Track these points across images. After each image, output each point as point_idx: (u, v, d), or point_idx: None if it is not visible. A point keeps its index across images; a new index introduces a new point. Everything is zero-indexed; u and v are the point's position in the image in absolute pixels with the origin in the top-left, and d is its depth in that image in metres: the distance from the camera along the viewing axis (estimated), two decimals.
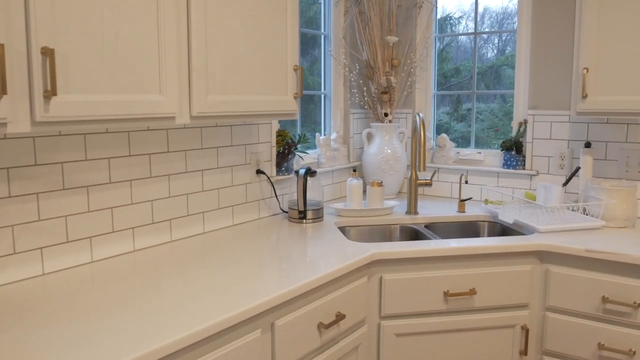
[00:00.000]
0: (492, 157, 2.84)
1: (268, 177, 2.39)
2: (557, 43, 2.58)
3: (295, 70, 2.00)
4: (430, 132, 3.03)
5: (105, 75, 1.42)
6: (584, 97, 2.21)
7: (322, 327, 1.69)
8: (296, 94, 2.01)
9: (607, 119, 2.48)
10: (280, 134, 2.47)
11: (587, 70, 2.20)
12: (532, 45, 2.65)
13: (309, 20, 2.84)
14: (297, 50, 2.01)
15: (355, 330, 1.89)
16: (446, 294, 1.99)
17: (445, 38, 3.06)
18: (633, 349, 1.92)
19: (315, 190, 2.39)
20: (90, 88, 1.38)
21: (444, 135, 2.93)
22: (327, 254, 1.89)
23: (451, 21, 3.02)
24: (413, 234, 2.41)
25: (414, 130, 2.42)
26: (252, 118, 1.89)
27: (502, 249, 2.01)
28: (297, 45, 2.02)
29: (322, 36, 2.87)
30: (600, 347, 1.97)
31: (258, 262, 1.79)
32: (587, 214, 2.35)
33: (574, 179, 2.54)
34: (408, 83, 2.95)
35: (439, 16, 3.00)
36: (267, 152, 2.43)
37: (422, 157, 2.28)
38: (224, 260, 1.81)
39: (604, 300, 1.95)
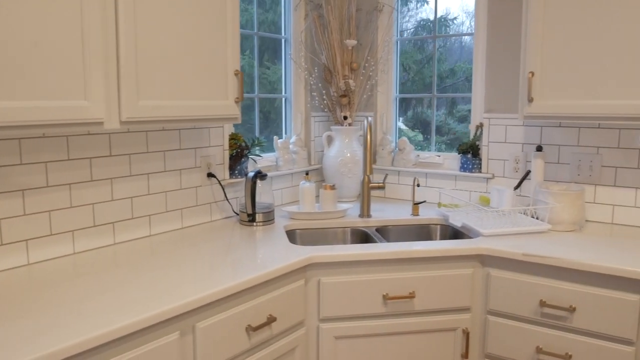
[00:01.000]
0: (451, 160, 2.84)
1: (219, 181, 2.41)
2: (509, 48, 2.58)
3: (235, 75, 2.02)
4: (392, 135, 3.04)
5: (24, 82, 1.44)
6: (530, 100, 2.21)
7: (251, 329, 1.71)
8: (237, 98, 2.03)
9: (560, 123, 2.49)
10: (234, 138, 2.49)
11: (533, 75, 2.20)
12: (487, 50, 2.65)
13: (271, 23, 2.86)
14: (237, 55, 2.03)
15: (291, 332, 1.91)
16: (385, 297, 2.00)
17: (440, 38, 3.08)
18: (569, 353, 1.93)
19: (266, 194, 2.41)
20: (5, 94, 1.41)
21: (404, 138, 2.94)
22: (265, 257, 1.91)
23: (445, 22, 2.98)
24: (363, 237, 2.43)
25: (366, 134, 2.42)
26: (190, 122, 1.91)
27: (441, 252, 2.02)
28: (238, 50, 2.03)
29: (283, 40, 2.89)
30: (538, 350, 1.98)
31: (192, 265, 1.81)
32: (536, 218, 2.36)
33: (526, 182, 2.54)
34: (367, 87, 2.96)
35: (439, 15, 2.95)
36: (220, 155, 2.45)
37: (368, 160, 2.29)
38: (157, 263, 1.83)
39: (542, 304, 1.95)
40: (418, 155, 2.94)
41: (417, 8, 2.98)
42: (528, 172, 2.44)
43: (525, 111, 2.24)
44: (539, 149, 2.47)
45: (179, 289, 1.58)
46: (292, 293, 1.88)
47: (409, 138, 2.98)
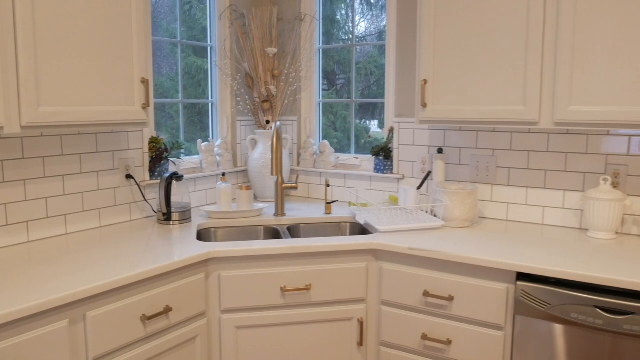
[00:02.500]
0: (367, 162, 3.01)
1: (136, 182, 2.54)
2: (414, 56, 2.76)
3: (142, 82, 2.16)
4: (314, 138, 3.20)
5: None
6: (424, 106, 2.39)
7: (145, 319, 1.84)
8: (144, 104, 2.17)
9: (460, 127, 2.67)
10: (154, 141, 2.62)
11: (426, 82, 2.38)
12: (396, 58, 2.83)
13: (201, 31, 3.00)
14: (144, 62, 2.16)
15: (191, 322, 2.05)
16: (283, 290, 2.15)
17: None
18: (450, 338, 2.10)
19: (183, 194, 2.54)
20: None
21: (324, 141, 3.10)
22: (166, 252, 2.04)
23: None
24: (275, 235, 2.58)
25: (278, 137, 2.57)
26: (94, 127, 2.03)
27: (335, 247, 2.18)
28: (145, 58, 2.17)
29: (209, 47, 3.03)
30: (424, 337, 2.15)
31: (94, 259, 1.93)
32: (434, 215, 2.53)
33: (430, 182, 2.72)
34: (288, 93, 3.12)
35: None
36: (139, 157, 2.58)
37: (275, 162, 2.45)
38: (65, 258, 1.96)
39: (425, 294, 2.12)
40: (338, 158, 3.10)
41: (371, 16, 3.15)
42: (429, 173, 2.62)
43: (420, 116, 2.42)
44: (440, 151, 2.65)
45: (73, 280, 1.71)
46: (192, 285, 2.02)
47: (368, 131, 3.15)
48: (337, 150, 3.16)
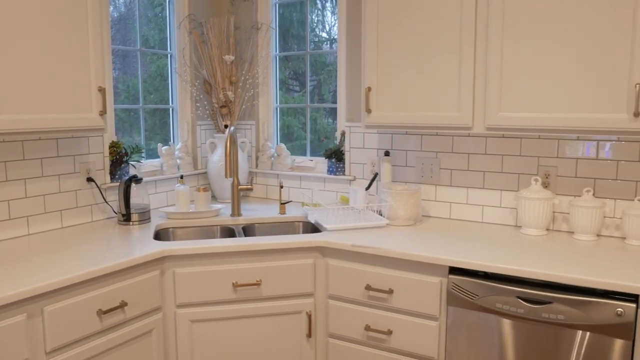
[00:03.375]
0: (322, 164, 3.17)
1: (97, 185, 2.65)
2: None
3: (99, 90, 2.27)
4: (271, 141, 3.34)
5: None
6: (368, 112, 2.55)
7: (102, 313, 1.96)
8: (101, 111, 2.28)
9: (407, 131, 2.83)
10: (114, 145, 2.73)
11: (370, 89, 2.54)
12: (347, 65, 2.99)
13: (164, 40, 3.12)
14: (101, 71, 2.28)
15: (147, 317, 2.17)
16: (235, 285, 2.28)
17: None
18: (391, 329, 2.26)
19: (143, 196, 2.66)
20: None
21: (281, 144, 3.24)
22: (124, 250, 2.16)
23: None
24: (231, 234, 2.71)
25: (231, 141, 2.70)
26: (55, 133, 2.14)
27: (282, 245, 2.32)
28: (102, 67, 2.28)
29: (169, 55, 3.14)
30: (367, 328, 2.30)
31: (54, 257, 2.04)
32: (380, 214, 2.69)
33: (378, 183, 2.88)
34: (246, 98, 3.26)
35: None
36: (100, 161, 2.69)
37: (228, 165, 2.58)
38: (26, 256, 2.07)
39: (368, 287, 2.27)
40: (294, 160, 3.25)
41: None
42: (376, 175, 2.78)
43: (365, 121, 2.57)
44: (387, 154, 2.81)
45: (32, 277, 1.82)
46: (147, 282, 2.14)
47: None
48: (308, 152, 3.29)
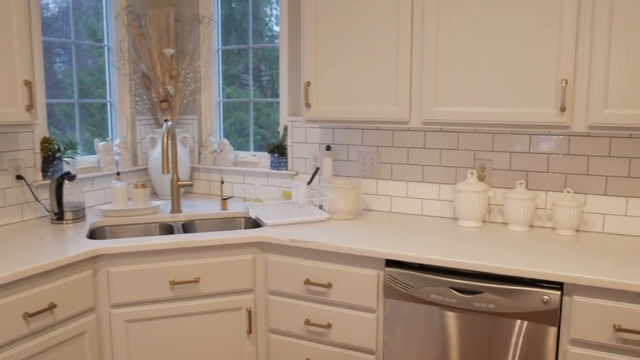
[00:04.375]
0: (265, 159, 3.14)
1: (27, 183, 2.56)
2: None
3: (25, 84, 2.18)
4: (214, 137, 3.30)
5: None
6: (308, 106, 2.54)
7: (28, 316, 1.89)
8: (28, 105, 2.20)
9: (347, 125, 2.84)
10: (46, 141, 2.63)
11: (309, 84, 2.53)
12: (288, 59, 2.97)
13: (98, 30, 3.02)
14: (27, 64, 2.19)
15: (79, 318, 2.10)
16: (172, 283, 2.24)
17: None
18: (330, 323, 2.26)
19: (76, 194, 2.58)
20: None
21: (224, 140, 3.20)
22: (54, 250, 2.08)
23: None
24: (170, 231, 2.66)
25: (169, 137, 2.65)
26: None
27: (221, 241, 2.29)
28: (28, 60, 2.19)
29: (106, 47, 3.06)
30: (307, 322, 2.30)
31: None
32: (322, 208, 2.70)
33: (319, 177, 2.89)
34: (187, 92, 3.20)
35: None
36: (30, 158, 2.59)
37: (166, 161, 2.53)
38: None
39: (307, 282, 2.27)
40: (237, 155, 3.21)
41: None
42: (317, 169, 2.78)
43: (305, 116, 2.57)
44: (328, 148, 2.81)
45: None
46: (79, 282, 2.08)
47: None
48: (262, 147, 3.25)
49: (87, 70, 2.94)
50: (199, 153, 3.29)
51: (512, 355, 1.96)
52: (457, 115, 2.26)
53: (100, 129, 3.05)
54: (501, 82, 2.17)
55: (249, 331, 2.38)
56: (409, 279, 2.08)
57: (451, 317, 2.03)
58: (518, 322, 1.93)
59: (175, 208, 2.75)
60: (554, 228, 2.43)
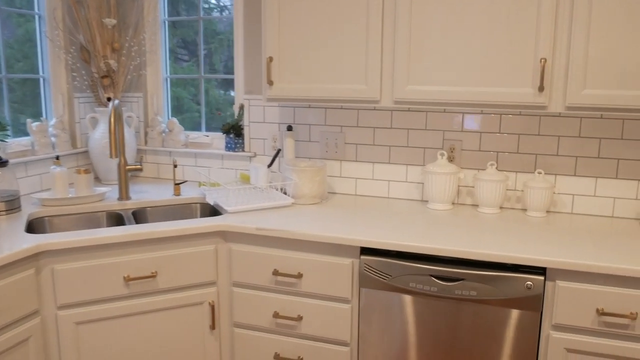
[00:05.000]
0: (219, 139, 2.94)
1: None
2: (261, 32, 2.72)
3: None
4: (162, 115, 3.05)
5: None
6: (270, 84, 2.36)
7: None
8: None
9: (309, 104, 2.69)
10: None
11: (271, 59, 2.35)
12: (244, 33, 2.76)
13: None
14: None
15: (22, 323, 1.86)
16: (127, 279, 2.04)
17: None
18: (300, 315, 2.13)
19: (9, 181, 2.30)
20: None
21: (173, 119, 2.97)
22: None
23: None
24: (119, 221, 2.43)
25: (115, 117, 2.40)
26: None
27: (181, 231, 2.10)
28: None
29: (37, 16, 2.73)
30: (276, 315, 2.16)
31: None
32: (285, 193, 2.54)
33: (281, 160, 2.73)
34: (131, 67, 2.93)
35: None
36: None
37: (114, 144, 2.29)
38: None
39: (275, 272, 2.13)
40: (188, 136, 2.99)
41: None
42: (279, 151, 2.61)
43: (267, 94, 2.39)
44: (289, 128, 2.65)
45: None
46: (19, 283, 1.83)
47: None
48: (200, 125, 3.03)
49: (5, 41, 2.60)
50: (146, 134, 3.04)
51: (494, 343, 1.90)
52: (431, 94, 2.16)
53: (22, 105, 2.72)
54: (478, 61, 2.08)
55: (212, 326, 2.21)
56: (387, 267, 1.98)
57: (431, 306, 1.95)
58: (501, 309, 1.87)
59: (124, 195, 2.51)
60: (525, 210, 2.40)
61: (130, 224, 2.27)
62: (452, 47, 2.10)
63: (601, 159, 2.30)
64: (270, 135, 2.78)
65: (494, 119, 2.42)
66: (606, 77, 1.94)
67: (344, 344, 2.11)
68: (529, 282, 1.83)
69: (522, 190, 2.37)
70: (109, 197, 2.56)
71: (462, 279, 1.89)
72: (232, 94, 2.99)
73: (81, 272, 1.97)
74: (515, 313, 1.86)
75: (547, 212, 2.38)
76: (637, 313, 1.73)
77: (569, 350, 1.82)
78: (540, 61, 1.99)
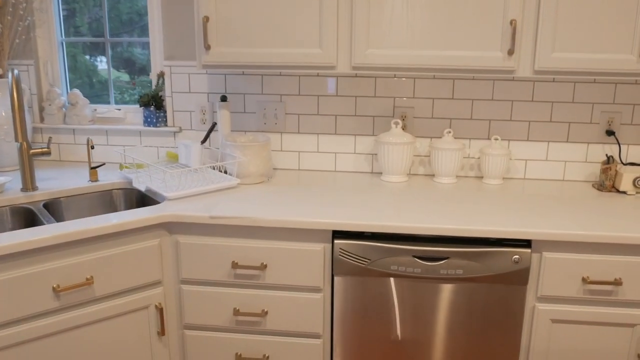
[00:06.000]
0: (134, 113, 2.54)
1: None
2: None
3: None
4: (60, 87, 2.57)
5: None
6: (207, 48, 2.04)
7: None
8: None
9: (243, 71, 2.39)
10: None
11: (208, 19, 2.02)
12: None
13: None
14: None
15: None
16: (56, 290, 1.66)
17: None
18: (265, 309, 1.90)
19: None
20: None
21: (76, 91, 2.50)
22: None
23: None
24: (29, 217, 2.00)
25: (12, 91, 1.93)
26: None
27: (117, 227, 1.74)
28: None
29: None
30: (236, 312, 1.91)
31: None
32: (225, 172, 2.26)
33: (215, 135, 2.42)
34: (19, 29, 2.41)
35: None
36: None
37: (19, 124, 1.84)
38: None
39: (234, 265, 1.86)
40: (95, 110, 2.55)
41: None
42: (214, 125, 2.30)
43: (203, 60, 2.06)
44: (224, 99, 2.33)
45: None
46: None
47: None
48: (112, 99, 2.58)
49: None
50: (41, 109, 2.54)
51: (481, 320, 1.81)
52: (393, 58, 1.97)
53: None
54: (443, 23, 1.92)
55: (162, 332, 1.90)
56: (365, 250, 1.80)
57: (415, 289, 1.81)
58: (488, 285, 1.79)
59: (29, 184, 2.06)
60: (481, 177, 2.34)
61: (46, 219, 1.85)
62: (417, 7, 1.92)
63: (553, 123, 2.29)
64: (199, 107, 2.44)
65: (446, 84, 2.31)
66: (575, 38, 1.89)
67: (315, 336, 1.92)
68: (516, 256, 1.75)
69: (479, 158, 2.31)
70: (9, 187, 2.09)
71: (447, 258, 1.77)
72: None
73: None
74: (502, 288, 1.78)
75: (503, 178, 2.34)
76: (621, 278, 1.73)
77: (554, 321, 1.79)
78: (510, 22, 1.89)
